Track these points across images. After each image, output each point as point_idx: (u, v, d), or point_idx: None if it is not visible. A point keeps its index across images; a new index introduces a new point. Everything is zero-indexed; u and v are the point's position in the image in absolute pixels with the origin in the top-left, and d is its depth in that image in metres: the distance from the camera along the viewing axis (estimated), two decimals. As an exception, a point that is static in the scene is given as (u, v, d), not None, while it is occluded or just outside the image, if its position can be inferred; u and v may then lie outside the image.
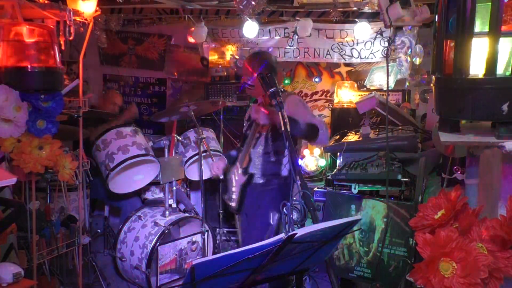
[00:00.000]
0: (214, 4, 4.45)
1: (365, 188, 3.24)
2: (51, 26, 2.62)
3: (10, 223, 2.51)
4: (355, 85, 4.64)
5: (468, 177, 1.87)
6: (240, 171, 2.94)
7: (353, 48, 4.63)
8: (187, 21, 4.79)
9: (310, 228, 1.48)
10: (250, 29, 4.47)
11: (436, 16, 1.47)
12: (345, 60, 4.74)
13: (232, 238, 4.37)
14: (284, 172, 2.84)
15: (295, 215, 1.97)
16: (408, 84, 4.42)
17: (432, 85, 1.52)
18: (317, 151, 4.49)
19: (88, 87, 5.34)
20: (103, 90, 5.72)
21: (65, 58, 4.84)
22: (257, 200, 2.89)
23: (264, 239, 1.49)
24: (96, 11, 3.05)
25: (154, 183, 3.64)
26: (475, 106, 1.34)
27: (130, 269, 3.33)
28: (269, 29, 4.75)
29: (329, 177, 3.53)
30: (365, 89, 4.61)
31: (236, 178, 2.97)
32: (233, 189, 2.99)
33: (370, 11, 4.14)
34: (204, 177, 3.38)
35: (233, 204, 2.99)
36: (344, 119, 4.29)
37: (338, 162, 3.37)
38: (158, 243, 3.18)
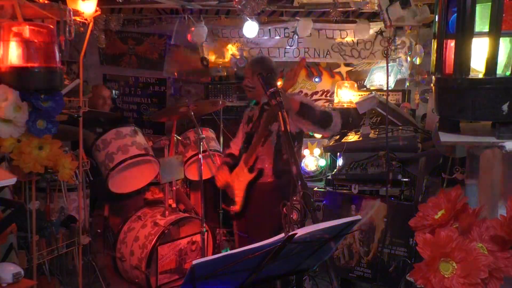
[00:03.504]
0: (214, 4, 4.45)
1: (365, 188, 3.24)
2: (51, 26, 2.61)
3: (10, 223, 2.50)
4: (355, 85, 4.63)
5: (468, 177, 1.86)
6: (245, 170, 2.92)
7: (353, 48, 4.63)
8: (187, 21, 4.79)
9: (310, 228, 1.48)
10: (250, 29, 4.47)
11: (436, 16, 1.47)
12: (345, 60, 4.74)
13: (232, 238, 4.36)
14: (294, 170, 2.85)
15: (295, 215, 1.97)
16: (408, 84, 4.42)
17: (432, 85, 1.52)
18: (317, 151, 4.49)
19: (88, 87, 5.34)
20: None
21: (65, 58, 4.84)
22: (265, 198, 2.86)
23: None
24: (96, 11, 3.05)
25: (154, 183, 3.63)
26: (475, 106, 1.33)
27: (130, 269, 3.33)
28: (269, 29, 4.75)
29: (329, 177, 3.53)
30: (365, 89, 4.60)
31: (241, 179, 2.96)
32: (236, 192, 2.97)
33: (370, 11, 4.14)
34: (204, 177, 3.37)
35: (235, 207, 2.95)
36: (344, 119, 4.27)
37: (338, 162, 3.37)
38: (157, 243, 3.18)
